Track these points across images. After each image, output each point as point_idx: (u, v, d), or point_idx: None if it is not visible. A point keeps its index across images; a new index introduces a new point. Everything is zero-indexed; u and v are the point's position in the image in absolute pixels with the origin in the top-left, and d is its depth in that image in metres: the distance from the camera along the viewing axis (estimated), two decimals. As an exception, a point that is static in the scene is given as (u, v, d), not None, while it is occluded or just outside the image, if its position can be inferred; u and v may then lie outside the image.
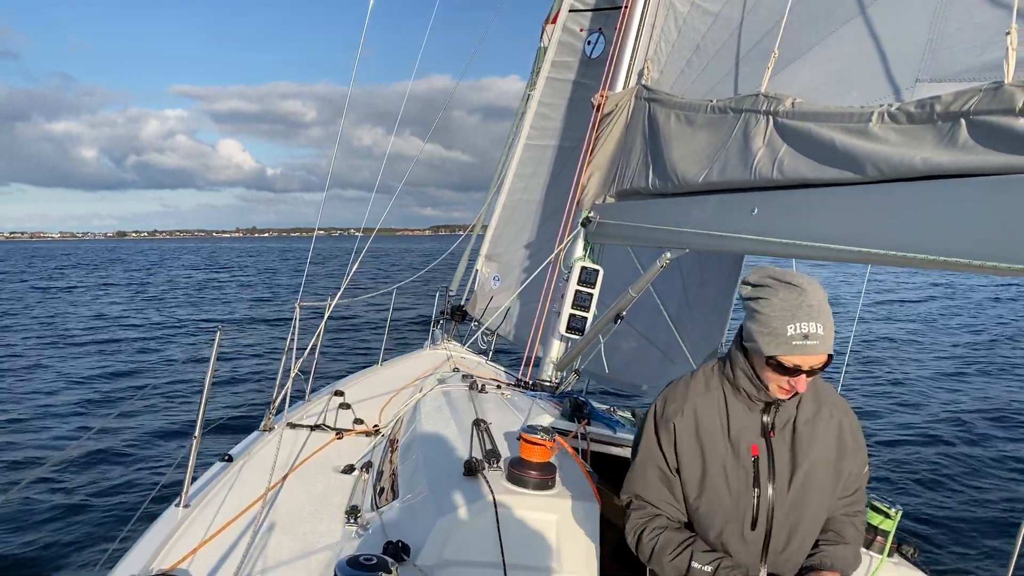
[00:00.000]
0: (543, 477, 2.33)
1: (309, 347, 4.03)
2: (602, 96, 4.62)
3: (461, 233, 7.53)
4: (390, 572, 1.65)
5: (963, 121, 2.08)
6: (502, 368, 5.71)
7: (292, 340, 3.88)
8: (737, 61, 3.74)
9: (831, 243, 2.37)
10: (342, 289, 4.27)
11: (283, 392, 3.87)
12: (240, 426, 10.37)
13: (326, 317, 4.27)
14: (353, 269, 4.68)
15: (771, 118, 2.95)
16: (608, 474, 4.43)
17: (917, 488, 8.82)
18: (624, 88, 4.60)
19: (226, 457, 3.40)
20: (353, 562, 1.66)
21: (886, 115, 2.38)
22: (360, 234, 5.07)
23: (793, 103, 2.89)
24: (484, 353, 6.43)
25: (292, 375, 3.82)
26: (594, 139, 4.60)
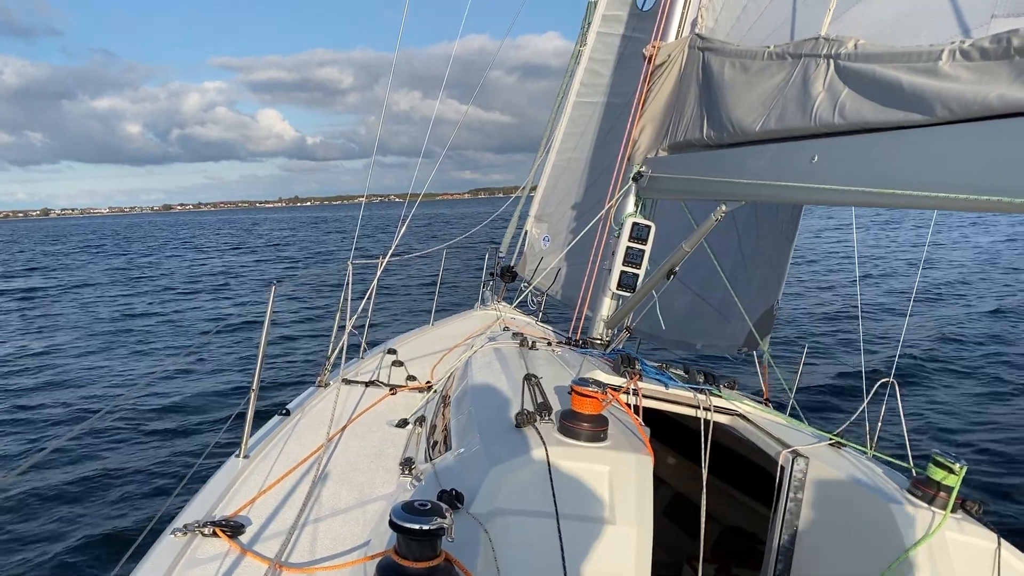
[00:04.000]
0: (595, 429, 2.32)
1: (362, 305, 4.08)
2: (654, 47, 4.50)
3: (501, 196, 7.48)
4: (444, 517, 1.66)
5: (1043, 55, 1.95)
6: (552, 328, 5.71)
7: (346, 298, 3.93)
8: (795, 5, 3.59)
9: (897, 189, 2.27)
10: (393, 247, 4.29)
11: (338, 348, 3.93)
12: (296, 382, 10.69)
13: (378, 274, 4.31)
14: (402, 230, 4.70)
15: (832, 61, 2.83)
16: (659, 432, 4.41)
17: (984, 443, 8.59)
18: (677, 38, 4.46)
19: (284, 411, 3.48)
20: (408, 507, 1.67)
21: (958, 52, 2.25)
22: (406, 199, 5.07)
23: (856, 45, 2.76)
24: (534, 314, 6.43)
25: (347, 332, 3.88)
26: (646, 92, 4.49)
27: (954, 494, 2.40)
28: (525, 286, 6.80)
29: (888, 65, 2.52)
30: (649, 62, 4.52)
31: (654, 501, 2.33)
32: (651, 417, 3.06)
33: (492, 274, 7.49)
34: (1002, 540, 2.33)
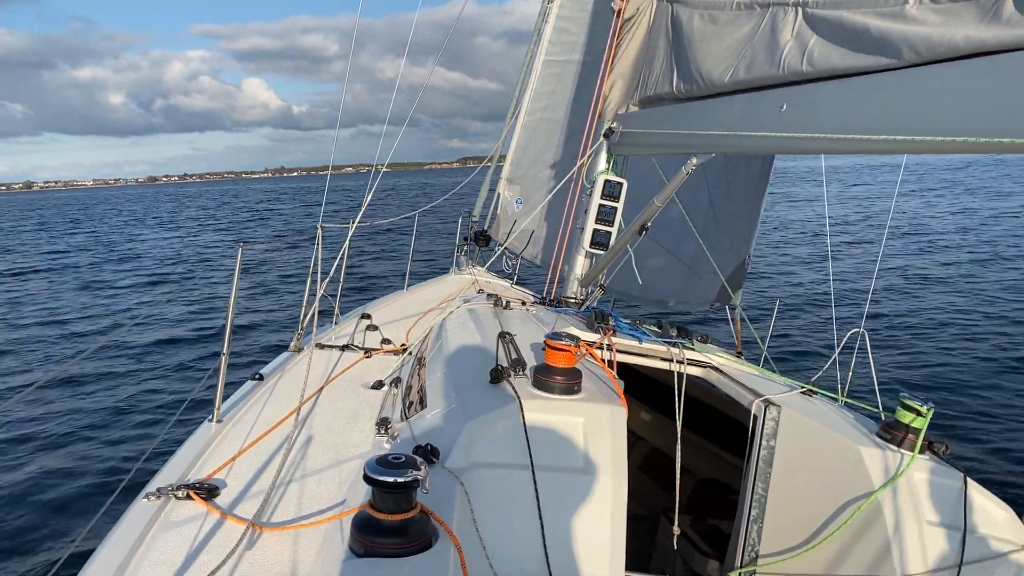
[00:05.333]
0: (569, 382, 2.33)
1: (333, 269, 4.03)
2: (623, 1, 4.44)
3: (490, 165, 7.40)
4: (419, 470, 1.66)
5: (1009, -7, 1.95)
6: (527, 291, 5.70)
7: (316, 262, 3.87)
8: (764, -46, 3.55)
9: (866, 134, 2.27)
10: (362, 211, 4.23)
11: (310, 314, 3.89)
12: (268, 347, 10.63)
13: (348, 238, 4.26)
14: (370, 195, 4.63)
15: (800, 9, 2.81)
16: (634, 387, 4.45)
17: (952, 387, 8.82)
18: (645, -9, 4.40)
19: (257, 376, 3.45)
20: (382, 460, 1.67)
21: (924, -5, 2.24)
22: (382, 169, 4.97)
23: (824, -9, 2.74)
24: (509, 277, 6.41)
25: (318, 297, 3.84)
26: (615, 47, 4.44)
27: (922, 435, 2.45)
28: (500, 250, 6.77)
29: (856, 11, 2.50)
30: (618, 16, 4.46)
31: (630, 456, 2.34)
32: (627, 374, 3.08)
33: (466, 238, 7.45)
34: (968, 479, 2.38)
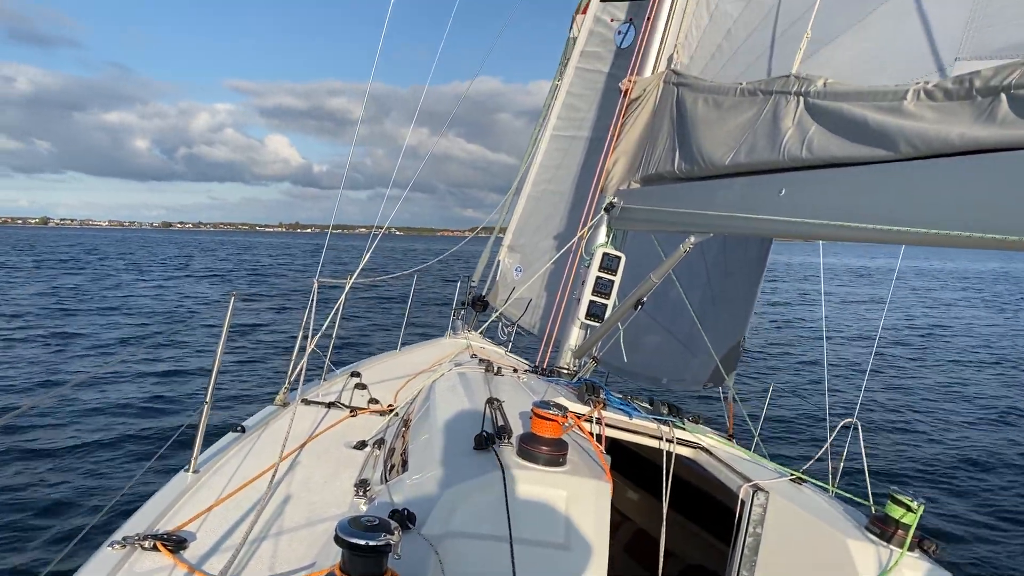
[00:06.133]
0: (554, 453, 2.28)
1: (326, 324, 4.01)
2: (630, 81, 4.56)
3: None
4: (392, 534, 1.61)
5: (1004, 96, 2.00)
6: (521, 359, 5.67)
7: (309, 317, 3.86)
8: (769, 45, 3.67)
9: (862, 223, 2.29)
10: (359, 268, 4.24)
11: (298, 368, 3.85)
12: (253, 399, 10.48)
13: (344, 294, 4.25)
14: (368, 254, 4.65)
15: (801, 99, 2.88)
16: (624, 467, 4.37)
17: (940, 484, 8.68)
18: (653, 73, 4.53)
19: (239, 428, 3.39)
20: (354, 522, 1.62)
21: (922, 92, 2.30)
22: (378, 231, 5.00)
23: (825, 83, 2.82)
24: (504, 344, 6.39)
25: (308, 352, 3.80)
26: (620, 125, 4.54)
27: (911, 532, 2.39)
28: (497, 316, 6.77)
29: (855, 103, 2.56)
30: (625, 96, 4.58)
31: (616, 536, 2.28)
32: (617, 452, 3.03)
33: (464, 303, 7.46)
34: None
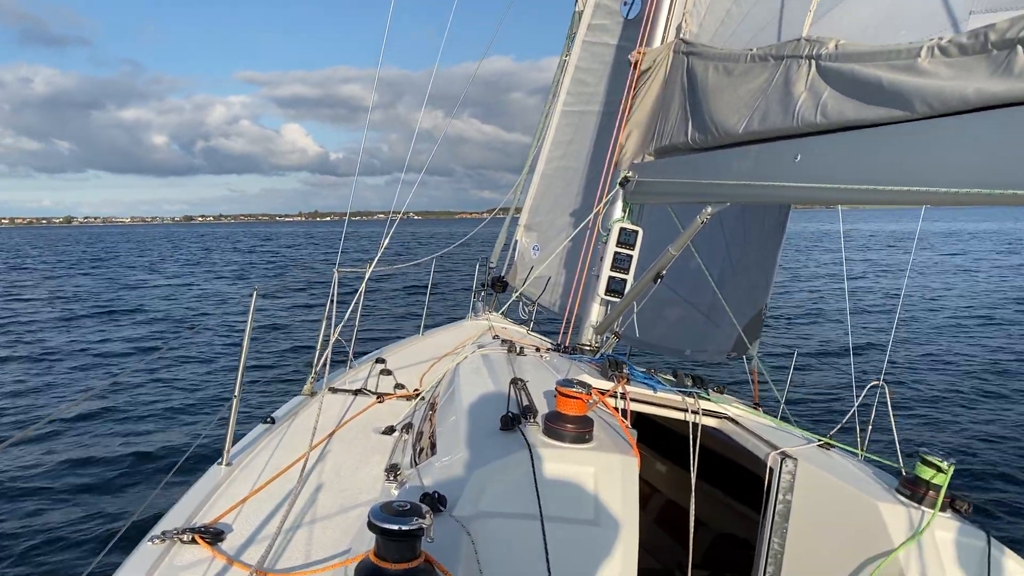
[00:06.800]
0: (580, 430, 2.30)
1: (348, 313, 4.05)
2: (639, 53, 4.51)
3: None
4: (424, 518, 1.63)
5: (1020, 48, 1.95)
6: (543, 337, 5.69)
7: (331, 306, 3.89)
8: (779, 8, 3.61)
9: (879, 185, 2.26)
10: (378, 256, 4.27)
11: (324, 357, 3.90)
12: (281, 391, 10.65)
13: (364, 282, 4.29)
14: (386, 240, 4.67)
15: (813, 62, 2.84)
16: (650, 438, 4.38)
17: (973, 445, 8.62)
18: (662, 44, 4.48)
19: (269, 419, 3.44)
20: (387, 507, 1.64)
21: (936, 49, 2.26)
22: (395, 216, 5.02)
23: (836, 45, 2.77)
24: (525, 324, 6.41)
25: (332, 341, 3.85)
26: (632, 98, 4.50)
27: (943, 493, 2.39)
28: (517, 296, 6.78)
29: (868, 64, 2.52)
30: (634, 68, 4.53)
31: (646, 508, 2.30)
32: (643, 424, 3.04)
33: (483, 285, 7.48)
34: (991, 537, 2.31)
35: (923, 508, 2.37)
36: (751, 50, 3.38)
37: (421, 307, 6.09)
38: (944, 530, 2.32)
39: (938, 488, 2.40)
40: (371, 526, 1.61)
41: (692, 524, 2.89)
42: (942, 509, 2.36)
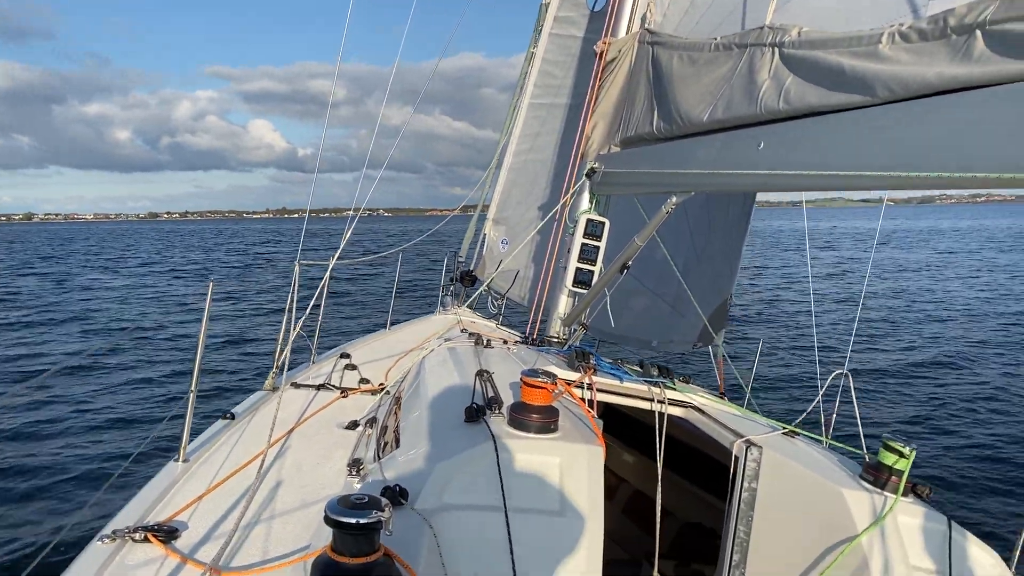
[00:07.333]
0: (545, 421, 2.27)
1: (310, 306, 3.97)
2: (604, 43, 4.49)
3: (471, 214, 7.44)
4: (382, 511, 1.59)
5: (979, 32, 1.96)
6: (512, 331, 5.65)
7: (292, 300, 3.81)
8: (742, -2, 3.61)
9: (843, 170, 2.26)
10: (340, 248, 4.19)
11: (285, 352, 3.82)
12: (241, 387, 10.44)
13: (328, 273, 4.21)
14: (347, 233, 4.61)
15: (776, 49, 2.84)
16: (617, 429, 4.38)
17: (931, 431, 8.80)
18: (627, 34, 4.46)
19: (228, 415, 3.36)
20: (343, 501, 1.60)
21: (896, 35, 2.26)
22: (358, 213, 4.95)
23: (799, 32, 2.77)
24: (495, 318, 6.37)
25: (293, 335, 3.77)
26: (597, 88, 4.48)
27: (904, 478, 2.40)
28: (485, 290, 6.74)
29: (831, 50, 2.53)
30: (600, 58, 4.51)
31: (613, 499, 2.28)
32: (610, 416, 3.02)
33: (452, 279, 7.42)
34: (952, 522, 2.33)
35: (886, 493, 2.38)
36: (715, 39, 3.37)
37: (388, 303, 6.02)
38: (906, 515, 2.34)
39: (900, 473, 2.41)
40: (327, 520, 1.56)
41: (659, 514, 2.88)
42: (904, 494, 2.38)
